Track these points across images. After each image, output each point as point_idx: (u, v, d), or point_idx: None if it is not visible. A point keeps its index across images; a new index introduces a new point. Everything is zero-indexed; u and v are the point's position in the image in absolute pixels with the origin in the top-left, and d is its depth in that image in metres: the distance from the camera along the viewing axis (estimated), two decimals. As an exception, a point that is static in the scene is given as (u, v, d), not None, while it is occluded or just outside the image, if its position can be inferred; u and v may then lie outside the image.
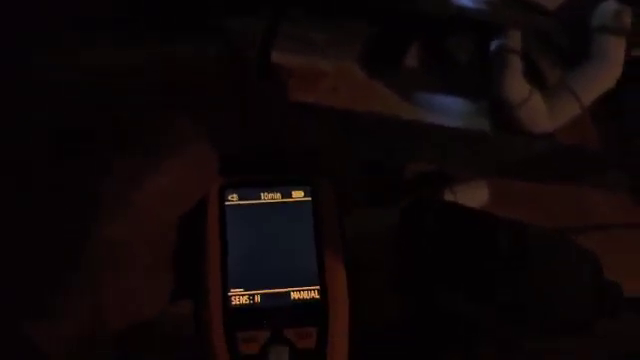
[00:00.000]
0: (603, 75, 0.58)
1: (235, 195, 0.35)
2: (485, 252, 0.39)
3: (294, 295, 0.34)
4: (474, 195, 0.69)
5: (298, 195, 0.37)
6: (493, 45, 0.60)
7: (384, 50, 0.67)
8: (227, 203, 0.35)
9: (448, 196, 0.72)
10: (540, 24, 0.60)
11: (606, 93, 0.58)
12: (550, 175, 0.64)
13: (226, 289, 0.34)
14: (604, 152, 0.62)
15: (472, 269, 0.39)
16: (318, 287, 0.34)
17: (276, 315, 0.34)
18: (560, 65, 0.61)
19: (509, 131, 0.60)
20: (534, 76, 0.60)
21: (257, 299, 0.34)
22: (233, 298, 0.34)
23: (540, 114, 0.58)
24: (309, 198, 0.37)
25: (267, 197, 0.36)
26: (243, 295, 0.34)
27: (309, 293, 0.34)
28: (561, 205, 0.74)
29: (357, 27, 0.67)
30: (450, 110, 0.63)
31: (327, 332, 0.33)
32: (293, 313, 0.34)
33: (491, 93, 0.60)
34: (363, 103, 0.63)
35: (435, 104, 0.66)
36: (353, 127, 0.63)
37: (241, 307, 0.33)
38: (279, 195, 0.37)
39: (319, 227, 0.36)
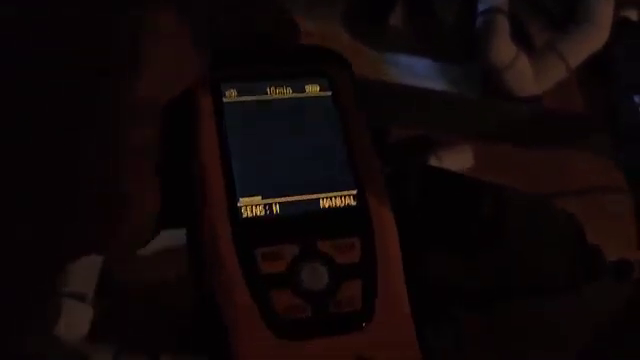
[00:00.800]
0: (591, 38, 0.57)
1: (234, 90, 0.28)
2: (468, 215, 0.39)
3: (325, 202, 0.27)
4: (459, 159, 0.68)
5: (313, 90, 0.30)
6: (480, 6, 0.59)
7: (368, 10, 0.66)
8: (225, 100, 0.28)
9: (433, 161, 0.71)
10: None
11: (593, 55, 0.58)
12: (535, 139, 0.63)
13: (234, 199, 0.26)
14: (589, 116, 0.62)
15: (455, 233, 0.38)
16: (355, 192, 0.28)
17: (305, 226, 0.27)
18: (548, 27, 0.60)
19: (495, 95, 0.59)
20: (521, 39, 0.59)
21: (276, 209, 0.27)
22: (244, 209, 0.26)
23: (527, 77, 0.57)
24: (328, 92, 0.29)
25: (275, 92, 0.29)
26: (257, 205, 0.27)
27: (344, 199, 0.27)
28: (545, 169, 0.74)
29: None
30: (435, 73, 0.62)
31: (374, 242, 0.27)
32: (326, 223, 0.27)
33: (477, 55, 0.59)
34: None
35: (420, 66, 0.65)
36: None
37: (256, 219, 0.26)
38: (290, 90, 0.29)
39: (346, 124, 0.29)
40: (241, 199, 0.26)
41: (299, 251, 0.26)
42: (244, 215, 0.26)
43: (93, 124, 0.24)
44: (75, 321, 0.48)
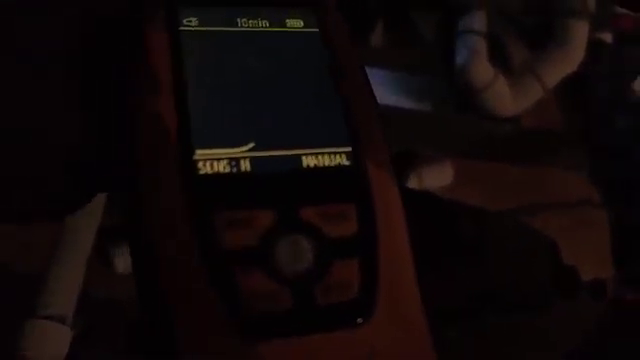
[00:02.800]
0: (566, 58, 0.58)
1: (194, 18, 0.22)
2: (447, 237, 0.39)
3: (309, 160, 0.21)
4: (439, 175, 0.69)
5: (295, 24, 0.23)
6: (459, 26, 0.60)
7: (348, 27, 0.66)
8: (183, 28, 0.22)
9: (413, 177, 0.72)
10: (506, 5, 0.60)
11: (570, 75, 0.59)
12: (514, 156, 0.64)
13: (188, 150, 0.20)
14: (566, 133, 0.63)
15: (435, 254, 0.39)
16: (349, 148, 0.21)
17: (283, 187, 0.20)
18: (525, 47, 0.61)
19: (474, 114, 0.60)
20: (499, 57, 0.60)
21: (245, 165, 0.20)
22: (202, 164, 0.20)
23: (504, 98, 0.58)
24: (314, 29, 0.23)
25: (247, 24, 0.23)
26: (219, 159, 0.20)
27: (334, 157, 0.21)
28: (523, 184, 0.75)
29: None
30: (415, 90, 0.63)
31: (373, 209, 0.20)
32: (312, 185, 0.20)
33: (455, 76, 0.60)
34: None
35: (400, 84, 0.66)
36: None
37: (217, 177, 0.20)
38: (266, 22, 0.23)
39: (337, 66, 0.22)
40: (198, 151, 0.20)
41: (275, 219, 0.19)
42: (202, 171, 0.20)
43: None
44: (54, 343, 0.48)
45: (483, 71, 0.58)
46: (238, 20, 0.23)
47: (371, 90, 0.23)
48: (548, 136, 0.64)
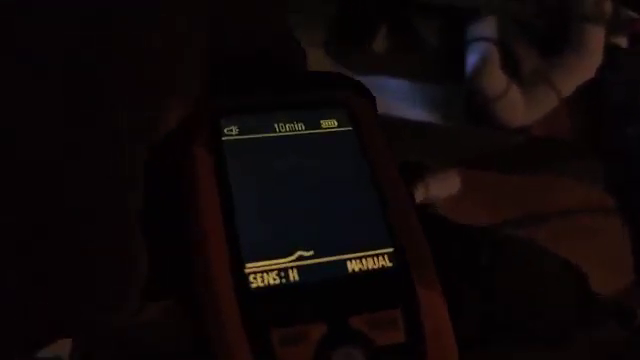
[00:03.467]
0: (582, 65, 0.55)
1: (235, 127, 0.23)
2: (463, 263, 0.36)
3: (354, 265, 0.21)
4: (445, 185, 0.67)
5: (330, 124, 0.24)
6: (468, 33, 0.57)
7: (350, 33, 0.63)
8: (225, 138, 0.23)
9: (420, 187, 0.69)
10: (517, 10, 0.57)
11: (584, 83, 0.56)
12: (523, 166, 0.62)
13: (239, 265, 0.20)
14: (576, 141, 0.60)
15: (455, 281, 0.36)
16: (391, 249, 0.22)
17: (332, 297, 0.21)
18: (536, 53, 0.59)
19: (482, 124, 0.57)
20: (509, 64, 0.57)
21: (294, 275, 0.21)
22: (253, 277, 0.20)
23: (517, 108, 0.55)
24: (348, 127, 0.24)
25: (284, 129, 0.24)
26: (269, 271, 0.21)
27: (377, 260, 0.21)
28: (530, 193, 0.72)
29: (322, 8, 0.62)
30: (420, 99, 0.60)
31: (419, 315, 0.21)
32: (358, 292, 0.21)
33: (465, 85, 0.57)
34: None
35: (404, 93, 0.63)
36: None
37: (269, 290, 0.20)
38: (302, 125, 0.24)
39: (373, 165, 0.23)
40: (248, 264, 0.20)
41: (326, 331, 0.20)
42: (253, 284, 0.20)
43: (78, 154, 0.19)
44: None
45: (496, 80, 0.55)
46: (275, 125, 0.24)
47: (406, 184, 0.24)
48: (559, 144, 0.61)
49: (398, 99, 0.62)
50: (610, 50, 0.57)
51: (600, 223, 0.72)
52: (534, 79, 0.57)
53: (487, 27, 0.56)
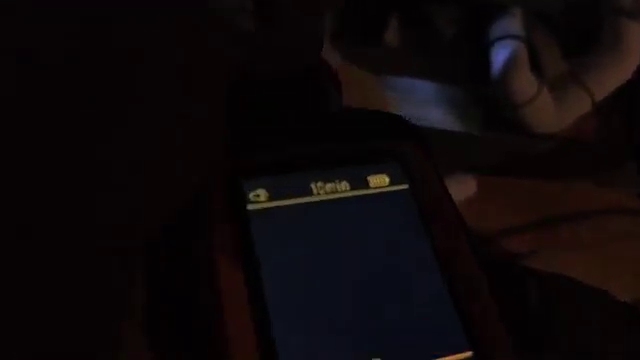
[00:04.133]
0: (619, 65, 0.50)
1: (262, 191, 0.18)
2: (514, 304, 0.32)
3: None
4: (461, 189, 0.62)
5: (380, 182, 0.19)
6: (493, 29, 0.52)
7: (360, 27, 0.59)
8: (251, 207, 0.18)
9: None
10: (544, 4, 0.52)
11: (621, 86, 0.51)
12: (551, 173, 0.57)
13: None
14: (609, 147, 0.56)
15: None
16: (469, 354, 0.17)
17: None
18: (560, 53, 0.54)
19: (505, 129, 0.52)
20: (536, 66, 0.52)
21: None
22: None
23: (547, 113, 0.50)
24: (403, 185, 0.19)
25: (324, 190, 0.19)
26: None
27: None
28: (549, 197, 0.68)
29: (327, -1, 0.57)
30: (435, 100, 0.55)
31: None
32: None
33: (488, 86, 0.52)
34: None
35: (420, 89, 0.58)
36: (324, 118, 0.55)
37: None
38: (345, 185, 0.19)
39: (436, 236, 0.19)
40: None
41: None
42: None
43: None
44: None
45: (526, 83, 0.49)
46: (312, 187, 0.19)
47: (479, 261, 0.19)
48: (589, 150, 0.56)
49: (410, 99, 0.58)
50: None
51: (630, 226, 0.68)
52: (565, 81, 0.51)
53: (514, 23, 0.51)
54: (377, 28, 0.59)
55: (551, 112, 0.51)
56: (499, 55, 0.50)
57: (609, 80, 0.51)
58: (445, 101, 0.56)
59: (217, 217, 0.17)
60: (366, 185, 0.19)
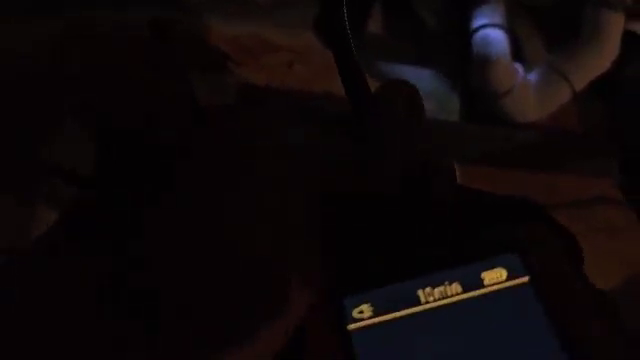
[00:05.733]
0: (598, 56, 0.51)
1: (366, 307, 0.17)
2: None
3: None
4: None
5: (496, 277, 0.17)
6: (474, 18, 0.52)
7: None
8: (353, 326, 0.16)
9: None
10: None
11: (600, 76, 0.51)
12: (532, 163, 0.57)
13: None
14: (590, 137, 0.56)
15: None
16: None
17: None
18: (541, 42, 0.54)
19: (485, 118, 0.52)
20: (518, 57, 0.52)
21: None
22: None
23: (528, 103, 0.51)
24: (523, 278, 0.17)
25: (432, 296, 0.17)
26: None
27: None
28: (535, 188, 0.69)
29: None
30: (419, 84, 0.55)
31: None
32: None
33: (469, 77, 0.52)
34: (322, 82, 0.54)
35: (402, 77, 0.58)
36: (310, 109, 0.55)
37: None
38: (457, 287, 0.17)
39: (566, 338, 0.16)
40: None
41: None
42: None
43: None
44: None
45: (507, 72, 0.50)
46: (420, 294, 0.17)
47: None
48: (569, 140, 0.57)
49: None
50: (626, 38, 0.52)
51: (612, 222, 0.68)
52: (545, 71, 0.52)
53: (497, 12, 0.51)
54: (361, 16, 0.59)
55: (532, 102, 0.51)
56: (480, 44, 0.50)
57: (588, 70, 0.51)
58: (423, 89, 0.56)
59: (317, 337, 0.16)
60: (480, 284, 0.17)
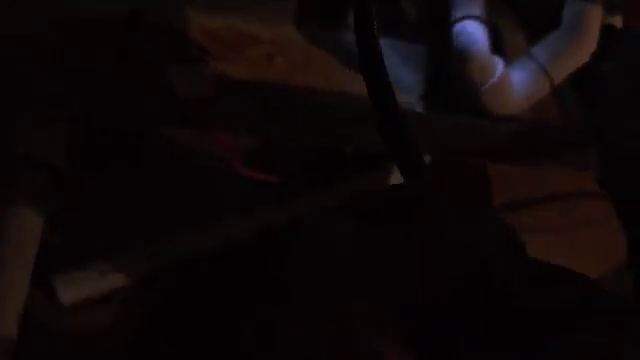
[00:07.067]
0: (577, 48, 0.51)
1: None
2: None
3: None
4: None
5: None
6: (454, 10, 0.52)
7: (325, 7, 0.58)
8: None
9: (396, 173, 0.65)
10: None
11: (578, 69, 0.52)
12: (512, 155, 0.58)
13: None
14: (569, 130, 0.56)
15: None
16: None
17: None
18: (525, 35, 0.54)
19: (468, 112, 0.52)
20: (498, 49, 0.53)
21: None
22: None
23: (507, 95, 0.51)
24: None
25: None
26: None
27: None
28: (517, 182, 0.69)
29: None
30: (402, 84, 0.55)
31: None
32: None
33: (449, 70, 0.52)
34: (302, 75, 0.54)
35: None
36: (289, 101, 0.55)
37: None
38: None
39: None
40: None
41: None
42: None
43: None
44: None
45: (486, 65, 0.50)
46: None
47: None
48: (549, 133, 0.57)
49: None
50: (604, 32, 0.52)
51: (591, 215, 0.69)
52: (526, 64, 0.52)
53: (475, 3, 0.51)
54: (341, 9, 0.58)
55: (511, 94, 0.51)
56: (459, 36, 0.50)
57: (567, 62, 0.51)
58: (408, 83, 0.56)
59: None
60: None
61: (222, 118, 0.52)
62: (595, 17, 0.50)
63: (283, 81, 0.53)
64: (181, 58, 0.53)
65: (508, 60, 0.53)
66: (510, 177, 0.65)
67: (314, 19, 0.56)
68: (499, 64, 0.51)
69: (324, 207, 0.63)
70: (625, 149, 0.51)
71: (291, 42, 0.55)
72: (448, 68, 0.53)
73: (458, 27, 0.51)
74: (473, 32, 0.50)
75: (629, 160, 0.50)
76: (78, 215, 0.55)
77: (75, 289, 0.50)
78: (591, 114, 0.54)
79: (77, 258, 0.53)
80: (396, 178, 0.64)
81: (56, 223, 0.52)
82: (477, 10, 0.51)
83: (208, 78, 0.52)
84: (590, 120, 0.54)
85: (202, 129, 0.51)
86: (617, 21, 0.54)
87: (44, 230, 0.50)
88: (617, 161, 0.52)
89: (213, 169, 0.59)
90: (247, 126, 0.54)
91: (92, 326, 0.50)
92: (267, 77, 0.53)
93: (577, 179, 0.68)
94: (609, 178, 0.54)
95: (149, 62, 0.50)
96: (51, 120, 0.49)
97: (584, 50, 0.51)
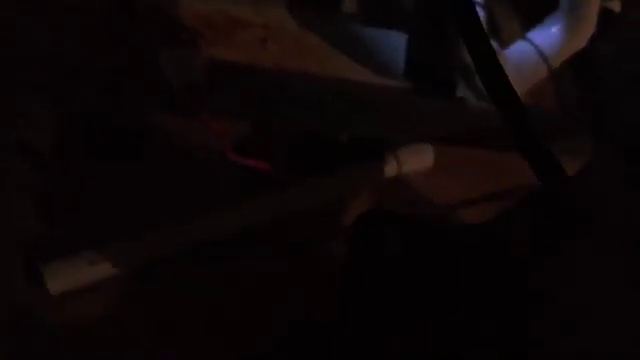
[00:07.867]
0: (575, 33, 0.50)
1: None
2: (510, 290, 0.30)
3: None
4: (419, 160, 0.62)
5: None
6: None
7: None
8: None
9: (392, 162, 0.64)
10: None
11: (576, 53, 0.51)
12: (505, 142, 0.57)
13: None
14: (565, 117, 0.56)
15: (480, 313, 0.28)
16: None
17: None
18: (521, 19, 0.53)
19: (462, 97, 0.52)
20: (493, 33, 0.52)
21: None
22: None
23: (503, 80, 0.50)
24: None
25: None
26: None
27: None
28: (508, 170, 0.68)
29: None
30: (394, 69, 0.54)
31: None
32: None
33: (444, 54, 0.51)
34: (296, 61, 0.53)
35: (377, 61, 0.57)
36: (282, 88, 0.54)
37: None
38: None
39: None
40: None
41: None
42: None
43: None
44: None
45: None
46: None
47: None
48: (545, 119, 0.56)
49: (370, 71, 0.57)
50: (602, 16, 0.52)
51: None
52: (522, 48, 0.51)
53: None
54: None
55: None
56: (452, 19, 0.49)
57: (565, 47, 0.51)
58: (402, 70, 0.55)
59: None
60: None
61: (213, 103, 0.52)
62: (593, 2, 0.50)
63: (276, 66, 0.53)
64: (172, 43, 0.52)
65: (504, 44, 0.53)
66: (504, 164, 0.64)
67: (305, 4, 0.56)
68: (496, 49, 0.50)
69: (323, 196, 0.62)
70: (622, 135, 0.50)
71: (283, 27, 0.54)
72: (443, 53, 0.52)
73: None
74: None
75: (626, 152, 0.50)
76: (68, 203, 0.54)
77: (64, 278, 0.49)
78: (588, 99, 0.54)
79: (67, 247, 0.53)
80: (392, 168, 0.63)
81: (45, 211, 0.51)
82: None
83: (200, 63, 0.51)
84: (587, 105, 0.54)
85: (193, 114, 0.51)
86: (615, 5, 0.53)
87: (32, 217, 0.49)
88: (613, 146, 0.51)
89: (207, 157, 0.59)
90: (239, 112, 0.54)
91: (81, 316, 0.49)
92: (260, 62, 0.52)
93: (572, 166, 0.67)
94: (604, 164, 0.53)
95: (140, 47, 0.49)
96: (35, 104, 0.48)
97: (582, 35, 0.50)
